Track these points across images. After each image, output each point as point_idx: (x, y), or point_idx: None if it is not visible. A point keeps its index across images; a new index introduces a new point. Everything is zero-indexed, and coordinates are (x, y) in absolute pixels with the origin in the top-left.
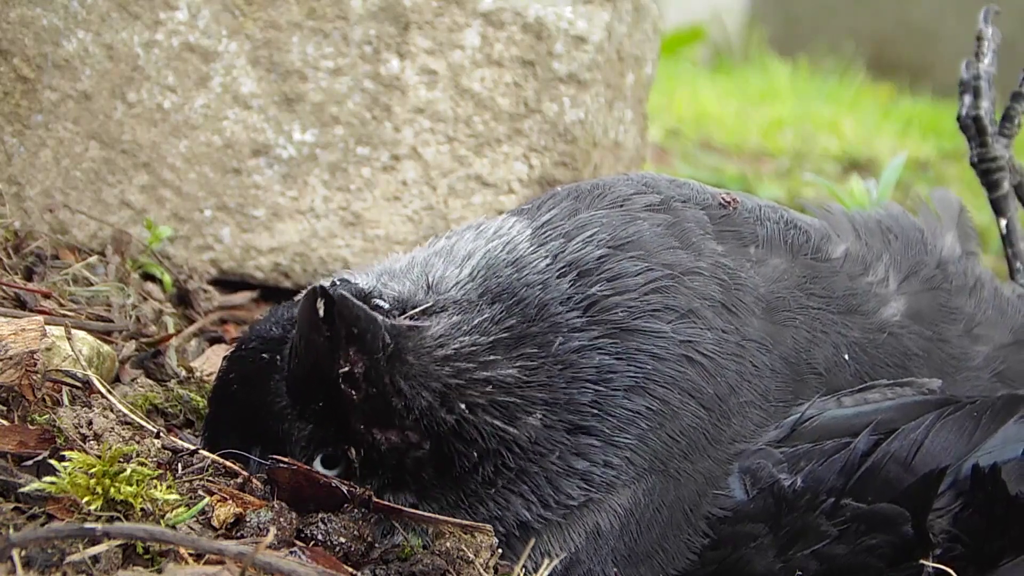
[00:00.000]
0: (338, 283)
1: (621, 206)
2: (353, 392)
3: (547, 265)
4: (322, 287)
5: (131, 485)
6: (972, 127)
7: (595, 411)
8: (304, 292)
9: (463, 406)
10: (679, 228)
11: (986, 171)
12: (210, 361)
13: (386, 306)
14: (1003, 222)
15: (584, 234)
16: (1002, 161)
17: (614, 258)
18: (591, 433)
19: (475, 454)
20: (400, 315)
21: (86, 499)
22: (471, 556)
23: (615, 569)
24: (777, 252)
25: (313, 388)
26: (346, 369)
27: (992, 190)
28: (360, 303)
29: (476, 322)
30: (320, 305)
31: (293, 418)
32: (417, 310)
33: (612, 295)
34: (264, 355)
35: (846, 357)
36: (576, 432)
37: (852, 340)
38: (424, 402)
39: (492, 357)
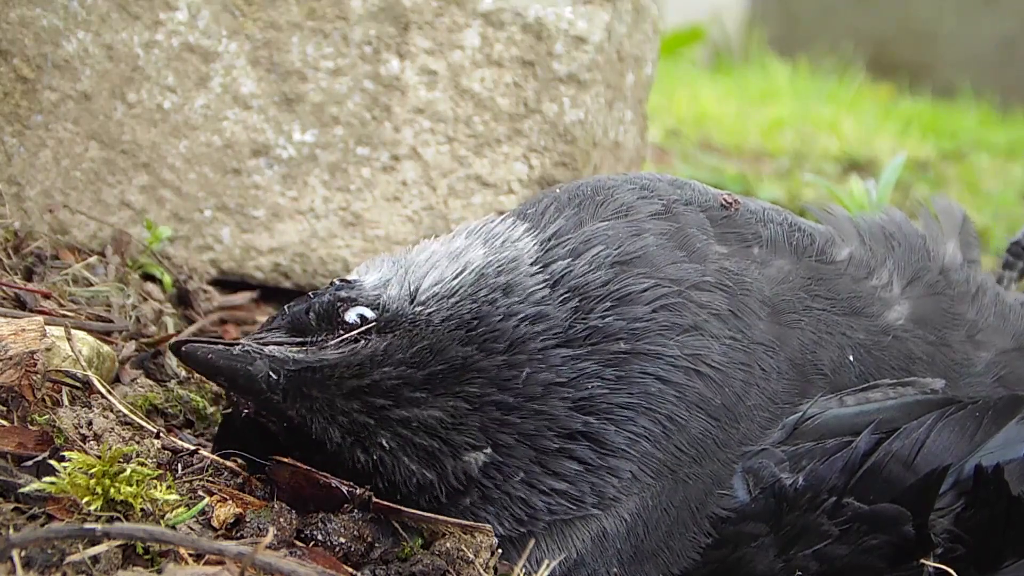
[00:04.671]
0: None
1: (626, 215)
2: (270, 424)
3: (545, 295)
4: (178, 344)
5: (131, 485)
6: None
7: (587, 440)
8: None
9: (382, 445)
10: (683, 235)
11: None
12: None
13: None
14: None
15: (590, 252)
16: None
17: (620, 278)
18: (580, 460)
19: (408, 489)
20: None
21: (86, 499)
22: (471, 556)
23: (615, 570)
24: (781, 253)
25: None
26: (246, 411)
27: None
28: (225, 355)
29: (415, 349)
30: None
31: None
32: (353, 333)
33: (617, 320)
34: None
35: (851, 358)
36: (557, 456)
37: (857, 342)
38: (336, 437)
39: (417, 394)
